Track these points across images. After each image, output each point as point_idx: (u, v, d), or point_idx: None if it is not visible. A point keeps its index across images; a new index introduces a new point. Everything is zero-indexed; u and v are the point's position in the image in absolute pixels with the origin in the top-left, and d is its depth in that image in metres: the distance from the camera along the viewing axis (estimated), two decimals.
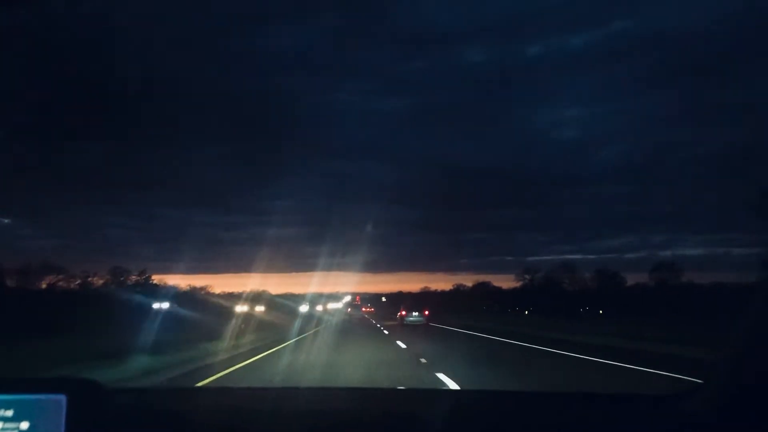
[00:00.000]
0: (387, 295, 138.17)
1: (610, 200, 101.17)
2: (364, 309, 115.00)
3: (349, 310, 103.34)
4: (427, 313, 39.18)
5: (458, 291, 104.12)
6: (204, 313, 33.61)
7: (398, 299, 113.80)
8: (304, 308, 49.32)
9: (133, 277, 67.95)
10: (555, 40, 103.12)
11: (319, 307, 68.20)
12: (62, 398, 1.50)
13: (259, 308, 40.29)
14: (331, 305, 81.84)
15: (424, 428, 1.69)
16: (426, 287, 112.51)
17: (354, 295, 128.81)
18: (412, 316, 37.63)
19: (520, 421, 1.76)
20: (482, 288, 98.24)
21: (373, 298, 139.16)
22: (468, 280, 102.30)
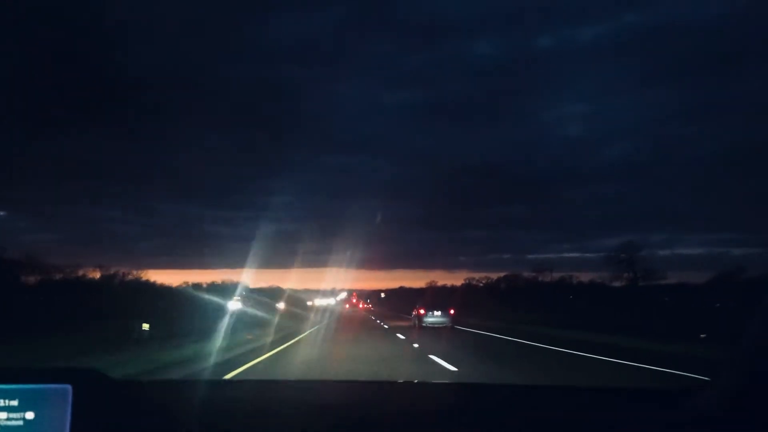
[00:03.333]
0: (386, 291, 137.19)
1: (612, 198, 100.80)
2: (362, 306, 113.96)
3: (347, 306, 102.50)
4: (453, 312, 29.63)
5: (470, 287, 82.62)
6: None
7: (399, 296, 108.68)
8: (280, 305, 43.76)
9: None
10: (565, 32, 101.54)
11: (308, 303, 62.92)
12: (68, 388, 1.50)
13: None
14: (321, 301, 72.69)
15: (436, 420, 1.69)
16: (433, 282, 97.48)
17: (350, 291, 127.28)
18: (432, 316, 28.95)
19: (526, 415, 1.76)
20: (507, 282, 76.39)
21: (371, 295, 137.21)
22: (469, 276, 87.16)
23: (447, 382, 7.10)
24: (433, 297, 36.50)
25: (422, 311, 29.34)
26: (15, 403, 1.47)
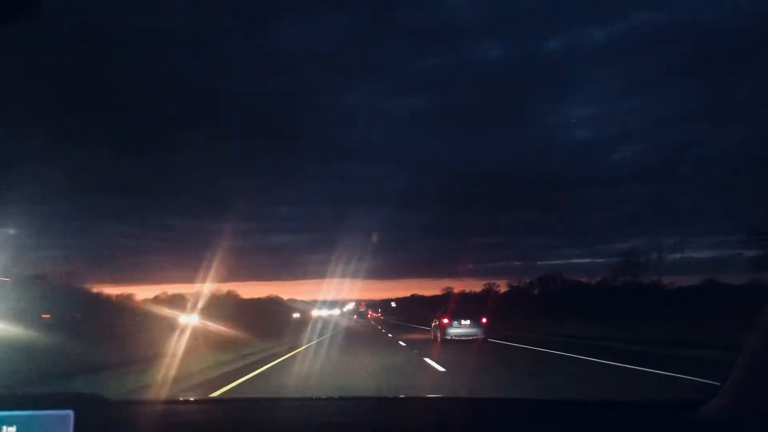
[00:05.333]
0: (397, 300, 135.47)
1: (622, 203, 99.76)
2: (370, 314, 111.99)
3: (355, 317, 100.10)
4: (485, 321, 23.80)
5: (491, 293, 70.69)
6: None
7: (411, 304, 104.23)
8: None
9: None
10: (576, 33, 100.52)
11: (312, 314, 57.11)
12: (69, 414, 1.50)
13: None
14: (318, 312, 63.76)
15: None
16: (449, 288, 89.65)
17: (358, 301, 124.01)
18: (459, 326, 23.14)
19: (536, 430, 1.73)
20: (543, 286, 63.21)
21: (381, 305, 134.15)
22: (490, 282, 74.73)
23: (444, 396, 6.27)
24: (460, 303, 28.61)
25: (446, 320, 23.60)
26: (13, 429, 1.48)
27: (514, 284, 68.59)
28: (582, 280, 57.19)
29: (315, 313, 62.99)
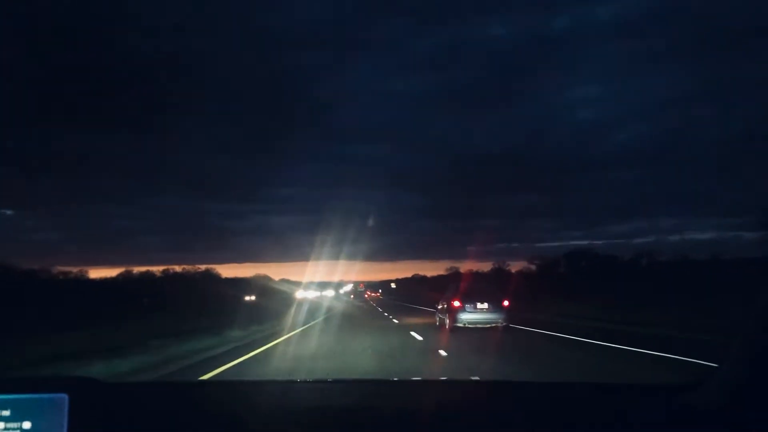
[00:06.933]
0: (398, 281, 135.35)
1: (621, 184, 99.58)
2: (368, 294, 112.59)
3: (352, 297, 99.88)
4: (507, 304, 19.27)
5: (500, 271, 65.20)
6: None
7: (412, 286, 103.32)
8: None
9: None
10: (581, 11, 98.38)
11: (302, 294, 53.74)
12: (64, 397, 1.50)
13: None
14: (310, 294, 60.55)
15: (433, 420, 1.67)
16: (453, 268, 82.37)
17: (357, 283, 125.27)
18: (475, 311, 18.81)
19: (532, 412, 1.74)
20: (570, 263, 55.97)
21: (380, 286, 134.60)
22: (482, 266, 73.34)
23: (441, 379, 6.18)
24: (475, 283, 22.78)
25: (457, 303, 19.07)
26: (7, 413, 1.48)
27: (537, 262, 61.10)
28: (616, 255, 51.52)
29: (300, 294, 55.67)
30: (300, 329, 21.78)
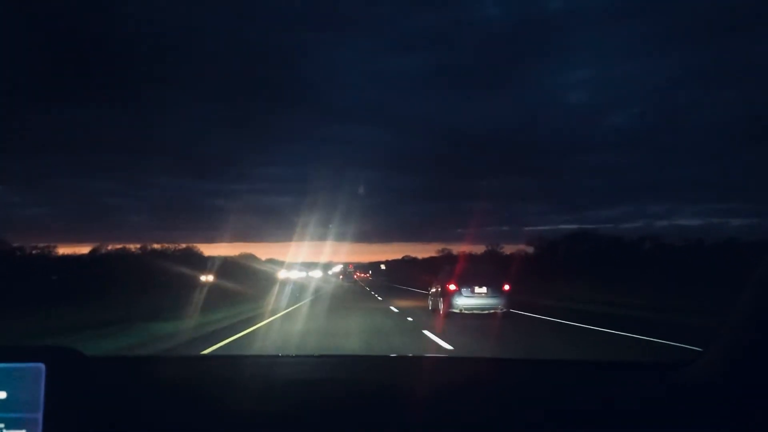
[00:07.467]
0: (388, 263, 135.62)
1: (611, 169, 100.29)
2: (357, 275, 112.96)
3: (341, 277, 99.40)
4: (508, 288, 17.67)
5: (493, 254, 64.11)
6: None
7: (402, 268, 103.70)
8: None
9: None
10: None
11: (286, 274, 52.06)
12: (41, 367, 1.46)
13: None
14: (295, 274, 58.36)
15: (422, 394, 1.66)
16: (445, 249, 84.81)
17: (346, 264, 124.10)
18: (473, 295, 17.26)
19: (520, 389, 1.73)
20: (570, 244, 54.84)
21: (370, 267, 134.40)
22: (473, 248, 71.70)
23: (427, 355, 5.97)
24: (472, 265, 21.12)
25: (452, 287, 17.43)
26: None
27: (534, 244, 59.79)
28: (620, 237, 50.38)
29: (283, 274, 52.04)
30: (254, 327, 14.72)
